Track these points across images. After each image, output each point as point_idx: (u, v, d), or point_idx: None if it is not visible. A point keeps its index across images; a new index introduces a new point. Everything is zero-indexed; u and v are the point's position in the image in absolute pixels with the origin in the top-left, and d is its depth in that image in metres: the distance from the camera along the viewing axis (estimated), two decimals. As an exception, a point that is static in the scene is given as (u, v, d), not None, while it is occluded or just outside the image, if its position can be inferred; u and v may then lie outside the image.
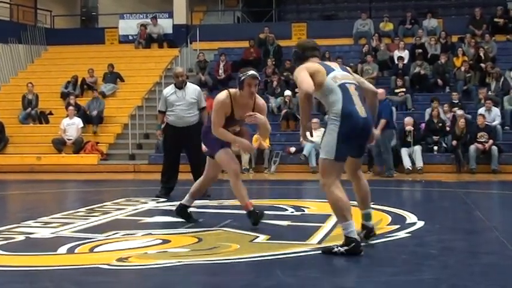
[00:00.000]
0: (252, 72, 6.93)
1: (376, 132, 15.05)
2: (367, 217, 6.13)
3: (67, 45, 24.71)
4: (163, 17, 24.81)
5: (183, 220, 7.68)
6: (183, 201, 7.67)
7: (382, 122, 14.45)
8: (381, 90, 15.85)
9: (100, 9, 28.64)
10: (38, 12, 26.77)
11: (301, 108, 5.88)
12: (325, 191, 5.82)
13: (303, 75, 5.77)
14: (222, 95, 7.03)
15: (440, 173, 15.77)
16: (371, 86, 6.26)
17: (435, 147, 16.79)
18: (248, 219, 7.13)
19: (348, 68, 6.27)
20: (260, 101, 7.12)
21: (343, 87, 5.80)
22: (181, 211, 7.65)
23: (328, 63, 6.14)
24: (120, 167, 17.89)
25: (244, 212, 7.20)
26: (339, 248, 5.63)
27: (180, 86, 10.41)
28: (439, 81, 19.58)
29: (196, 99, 10.38)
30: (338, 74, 5.89)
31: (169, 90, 10.53)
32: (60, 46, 24.89)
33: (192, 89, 10.52)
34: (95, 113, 19.52)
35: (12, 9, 25.67)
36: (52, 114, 20.70)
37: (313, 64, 5.95)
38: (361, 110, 5.78)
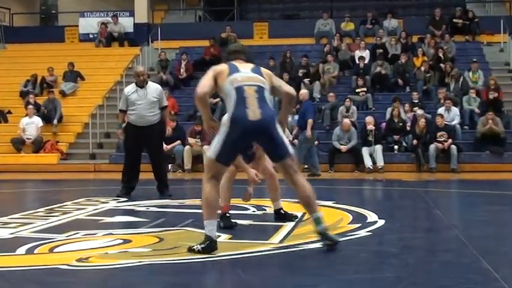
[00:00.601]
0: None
1: (308, 133, 15.37)
2: (316, 221, 5.91)
3: (26, 44, 24.46)
4: (124, 15, 24.68)
5: (144, 219, 7.64)
6: (276, 207, 7.62)
7: (310, 122, 14.66)
8: (303, 91, 16.08)
9: (60, 7, 28.38)
10: (-4, 10, 26.45)
11: (199, 109, 6.08)
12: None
13: (204, 77, 5.92)
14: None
15: (400, 172, 15.91)
16: (286, 89, 6.16)
17: (396, 147, 16.93)
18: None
19: (263, 70, 6.15)
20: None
21: (239, 89, 5.80)
22: (282, 215, 7.59)
23: (238, 64, 6.03)
24: (81, 166, 17.74)
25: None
26: (197, 246, 5.69)
27: (141, 85, 10.36)
28: (400, 81, 19.76)
29: (157, 98, 10.33)
30: (239, 76, 5.86)
31: (130, 89, 10.47)
32: (19, 44, 24.61)
33: (154, 88, 10.48)
34: (53, 113, 19.29)
35: (-31, 7, 25.35)
36: (11, 113, 20.46)
37: (221, 65, 6.03)
38: (253, 114, 5.71)
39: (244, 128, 5.70)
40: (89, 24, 25.02)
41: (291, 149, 5.92)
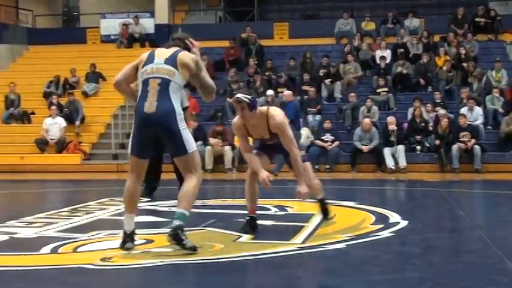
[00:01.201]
0: (235, 96, 6.60)
1: None
2: (177, 216, 5.74)
3: (49, 45, 24.62)
4: (145, 16, 24.76)
5: (166, 219, 7.67)
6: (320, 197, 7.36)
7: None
8: (286, 92, 15.98)
9: (82, 8, 28.51)
10: (19, 11, 26.64)
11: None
12: None
13: (127, 65, 6.19)
14: (236, 117, 6.84)
15: (423, 172, 15.82)
16: (205, 82, 6.10)
17: (418, 147, 16.83)
18: (231, 219, 7.12)
19: (182, 58, 5.94)
20: (274, 121, 6.52)
21: (145, 82, 5.89)
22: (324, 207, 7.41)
23: (158, 52, 6.08)
24: (103, 166, 17.81)
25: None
26: None
27: None
28: (421, 81, 19.64)
29: None
30: (149, 68, 5.91)
31: None
32: (42, 46, 24.78)
33: None
34: (75, 114, 19.37)
35: (-8, 9, 25.57)
36: (34, 114, 20.59)
37: (144, 54, 6.17)
38: (149, 106, 5.74)
39: (140, 120, 5.79)
40: (111, 25, 25.13)
41: (191, 148, 5.81)
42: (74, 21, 29.51)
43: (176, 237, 5.64)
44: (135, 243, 5.94)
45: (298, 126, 15.44)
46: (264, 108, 6.66)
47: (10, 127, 20.29)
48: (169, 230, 5.67)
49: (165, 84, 5.78)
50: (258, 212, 7.36)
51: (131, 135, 5.98)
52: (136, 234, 5.96)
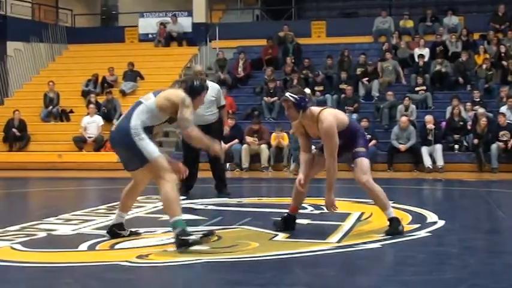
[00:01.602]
0: (284, 95, 6.66)
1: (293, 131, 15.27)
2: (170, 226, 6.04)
3: (88, 44, 24.83)
4: (183, 15, 24.85)
5: (202, 218, 7.70)
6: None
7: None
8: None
9: (120, 7, 28.73)
10: (59, 11, 26.90)
11: None
12: None
13: None
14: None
15: (461, 172, 15.67)
16: (181, 116, 6.07)
17: (456, 146, 16.69)
18: (266, 218, 7.11)
19: (167, 94, 6.19)
20: (321, 125, 6.44)
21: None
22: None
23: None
24: (140, 164, 17.90)
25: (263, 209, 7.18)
26: None
27: None
28: (460, 79, 19.45)
29: (215, 97, 10.36)
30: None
31: None
32: (80, 45, 25.01)
33: (211, 88, 10.51)
34: (113, 113, 19.54)
35: (34, 8, 25.82)
36: (73, 112, 20.81)
37: None
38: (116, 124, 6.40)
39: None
40: (149, 24, 25.27)
41: (151, 155, 5.98)
42: (113, 20, 29.74)
43: (181, 244, 5.78)
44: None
45: None
46: (318, 109, 6.59)
47: (49, 125, 20.54)
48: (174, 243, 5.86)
49: (136, 105, 6.19)
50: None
51: None
52: (120, 229, 6.45)
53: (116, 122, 6.15)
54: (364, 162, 6.67)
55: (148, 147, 5.99)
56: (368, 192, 6.75)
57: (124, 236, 6.44)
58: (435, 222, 7.44)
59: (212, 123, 10.26)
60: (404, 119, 16.56)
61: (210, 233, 6.01)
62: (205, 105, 10.22)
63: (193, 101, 6.18)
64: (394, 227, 6.60)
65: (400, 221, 6.72)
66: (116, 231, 6.43)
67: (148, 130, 6.06)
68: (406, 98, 17.81)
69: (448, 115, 17.34)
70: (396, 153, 16.43)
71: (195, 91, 6.21)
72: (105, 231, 6.57)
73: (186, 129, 6.07)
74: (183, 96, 6.07)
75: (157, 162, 6.00)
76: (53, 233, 6.91)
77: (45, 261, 5.51)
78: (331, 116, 6.51)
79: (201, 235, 5.88)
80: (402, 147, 16.27)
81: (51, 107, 20.63)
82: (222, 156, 6.20)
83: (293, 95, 6.48)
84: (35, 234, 6.75)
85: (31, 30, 24.20)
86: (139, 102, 6.18)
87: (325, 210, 8.18)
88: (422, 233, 6.76)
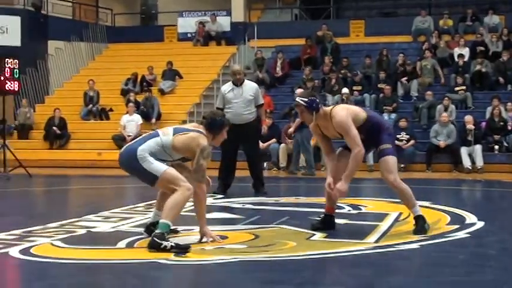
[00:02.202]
0: (295, 101, 6.67)
1: (290, 130, 15.47)
2: (159, 225, 5.94)
3: (127, 43, 25.07)
4: (221, 14, 24.93)
5: (240, 216, 7.72)
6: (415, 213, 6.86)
7: (297, 121, 14.44)
8: (298, 90, 15.76)
9: (159, 7, 28.91)
10: (99, 10, 27.16)
11: None
12: None
13: None
14: None
15: (501, 172, 15.50)
16: (197, 167, 6.07)
17: (496, 147, 16.51)
18: (304, 217, 7.10)
19: (188, 135, 6.14)
20: (335, 119, 6.42)
21: None
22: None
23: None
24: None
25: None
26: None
27: (238, 83, 10.45)
28: (501, 79, 19.25)
29: (253, 96, 10.37)
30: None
31: (227, 87, 10.58)
32: (120, 44, 25.24)
33: (250, 87, 10.54)
34: (151, 111, 19.66)
35: (74, 8, 26.14)
36: (112, 110, 20.98)
37: None
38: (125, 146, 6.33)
39: None
40: (187, 23, 25.39)
41: (158, 172, 5.94)
42: (152, 19, 29.95)
43: (153, 245, 5.71)
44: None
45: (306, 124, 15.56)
46: (329, 108, 6.59)
47: (88, 123, 20.74)
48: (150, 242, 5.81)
49: (153, 135, 6.22)
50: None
51: None
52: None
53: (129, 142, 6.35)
54: (390, 160, 6.60)
55: (153, 166, 5.95)
56: (395, 191, 6.73)
57: None
58: (474, 223, 7.37)
59: (250, 122, 10.27)
60: (445, 114, 16.49)
61: (187, 247, 5.79)
62: (244, 104, 10.26)
63: (216, 137, 6.20)
64: (421, 225, 6.59)
65: (425, 219, 6.69)
66: (153, 230, 6.44)
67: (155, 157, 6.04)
68: (446, 98, 17.66)
69: (488, 115, 17.17)
70: (435, 152, 16.31)
71: (216, 127, 6.16)
72: (143, 230, 6.61)
73: (197, 181, 6.07)
74: (204, 146, 6.00)
75: (166, 175, 5.96)
76: (93, 230, 6.98)
77: (85, 258, 5.57)
78: (343, 111, 6.49)
79: (176, 250, 5.70)
80: (442, 143, 16.12)
81: (91, 106, 20.83)
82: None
83: (303, 99, 6.45)
84: (74, 231, 6.83)
85: (72, 29, 24.48)
86: (157, 134, 6.17)
87: (363, 210, 8.17)
88: (461, 234, 6.70)
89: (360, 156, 6.41)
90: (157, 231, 5.82)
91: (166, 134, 6.11)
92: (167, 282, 4.98)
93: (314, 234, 6.57)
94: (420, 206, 8.74)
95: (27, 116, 20.65)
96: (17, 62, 15.31)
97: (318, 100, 6.45)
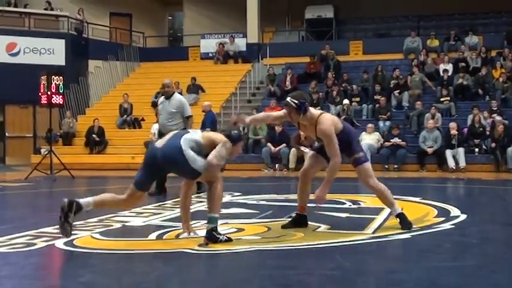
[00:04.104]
0: (285, 100, 6.32)
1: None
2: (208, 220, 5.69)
3: (157, 62, 25.11)
4: (239, 36, 24.95)
5: (255, 211, 7.71)
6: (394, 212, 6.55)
7: (207, 130, 14.36)
8: (205, 103, 15.70)
9: (184, 30, 28.96)
10: (132, 33, 27.26)
11: None
12: None
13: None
14: None
15: (481, 172, 15.44)
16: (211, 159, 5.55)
17: (476, 149, 16.47)
18: (310, 212, 7.06)
19: (215, 134, 5.86)
20: (320, 127, 6.08)
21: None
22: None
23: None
24: (201, 165, 18.00)
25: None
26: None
27: (166, 96, 10.13)
28: (480, 91, 19.20)
29: (176, 110, 9.93)
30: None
31: (161, 99, 10.30)
32: (151, 62, 25.29)
33: (175, 100, 10.07)
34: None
35: (111, 31, 26.25)
36: (144, 120, 21.03)
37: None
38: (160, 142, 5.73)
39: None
40: (209, 44, 25.42)
41: (200, 168, 5.51)
42: (178, 41, 30.03)
43: (212, 238, 5.58)
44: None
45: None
46: (317, 113, 6.20)
47: (123, 131, 20.81)
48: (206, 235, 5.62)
49: (181, 134, 5.72)
50: (333, 205, 7.31)
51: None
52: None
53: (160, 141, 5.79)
54: (366, 166, 6.35)
55: (195, 159, 5.52)
56: (375, 193, 6.49)
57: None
58: (458, 216, 7.33)
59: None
60: (431, 121, 16.46)
61: (229, 239, 5.69)
62: (168, 115, 10.02)
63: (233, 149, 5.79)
64: (404, 221, 6.36)
65: (405, 214, 6.42)
66: None
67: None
68: (433, 107, 17.61)
69: (469, 122, 17.11)
70: (425, 155, 16.25)
71: (233, 140, 5.73)
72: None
73: (212, 161, 5.53)
74: (226, 140, 5.67)
75: (209, 172, 5.58)
76: (127, 224, 6.98)
77: (120, 248, 5.57)
78: (329, 120, 6.14)
79: (225, 238, 5.64)
80: (430, 150, 16.09)
81: (125, 116, 20.90)
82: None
83: (294, 100, 6.11)
84: (111, 225, 6.83)
85: (109, 50, 24.58)
86: (186, 132, 5.77)
87: (362, 205, 8.13)
88: (447, 225, 6.66)
89: (338, 166, 6.09)
90: (212, 225, 5.59)
91: (196, 132, 5.78)
92: (192, 269, 4.97)
93: (319, 227, 6.54)
94: (411, 201, 8.75)
95: (71, 126, 20.74)
96: (62, 78, 15.37)
97: (307, 103, 6.12)
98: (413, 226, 6.37)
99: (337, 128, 6.18)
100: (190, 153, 5.50)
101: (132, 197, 5.83)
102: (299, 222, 6.50)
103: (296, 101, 6.10)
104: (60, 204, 5.63)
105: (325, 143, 6.11)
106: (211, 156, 5.52)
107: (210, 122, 15.20)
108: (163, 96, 10.33)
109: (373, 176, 6.39)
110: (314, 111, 6.23)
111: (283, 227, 6.47)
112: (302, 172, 6.56)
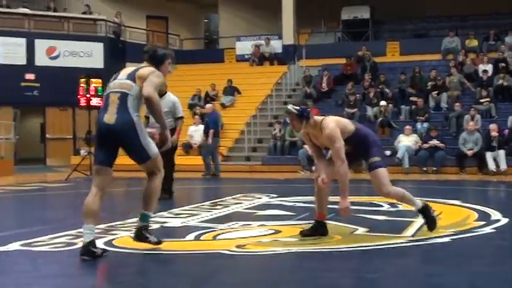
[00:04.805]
0: (286, 109, 6.05)
1: (209, 141, 15.36)
2: (141, 217, 5.55)
3: (193, 64, 25.21)
4: (274, 38, 24.96)
5: (292, 213, 7.69)
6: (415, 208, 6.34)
7: (211, 132, 15.36)
8: (207, 106, 15.54)
9: (220, 32, 29.07)
10: (169, 36, 27.46)
11: None
12: None
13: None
14: None
15: (522, 174, 15.19)
16: (143, 90, 5.27)
17: (517, 151, 16.19)
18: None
19: (141, 72, 5.37)
20: (325, 131, 5.83)
21: (106, 96, 5.40)
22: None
23: (125, 69, 5.56)
24: (238, 167, 18.07)
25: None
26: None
27: (160, 95, 10.06)
28: (521, 92, 18.89)
29: (168, 109, 9.84)
30: (112, 83, 5.43)
31: None
32: (187, 65, 25.38)
33: (167, 100, 10.04)
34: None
35: (148, 34, 26.49)
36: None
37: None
38: (109, 118, 5.24)
39: (100, 131, 5.32)
40: (245, 46, 25.48)
41: (153, 153, 5.36)
42: (214, 43, 30.14)
43: (140, 237, 5.48)
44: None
45: (217, 134, 16.26)
46: (320, 118, 5.95)
47: (162, 133, 20.89)
48: (137, 233, 5.49)
49: (124, 97, 5.28)
50: (371, 208, 7.25)
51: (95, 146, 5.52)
52: (95, 246, 5.27)
53: (111, 113, 5.31)
54: (381, 173, 6.04)
55: (150, 143, 5.38)
56: (393, 199, 6.35)
57: None
58: (499, 220, 7.21)
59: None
60: (471, 123, 16.23)
61: (159, 242, 5.54)
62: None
63: (159, 68, 5.53)
64: (428, 216, 6.20)
65: (428, 206, 6.27)
66: None
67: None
68: (472, 109, 17.37)
69: (509, 123, 16.82)
70: (464, 158, 16.04)
71: (158, 59, 5.53)
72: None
73: (149, 92, 5.22)
74: (151, 69, 5.38)
75: (157, 159, 5.43)
76: (165, 225, 7.03)
77: (158, 249, 5.60)
78: (333, 122, 5.87)
79: (156, 240, 5.51)
80: (470, 152, 15.88)
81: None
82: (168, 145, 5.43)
83: (295, 107, 5.83)
84: (149, 226, 6.86)
85: (146, 53, 24.73)
86: (123, 93, 5.32)
87: (400, 208, 8.06)
88: (488, 229, 6.56)
89: (343, 170, 5.78)
90: (143, 223, 5.49)
91: (130, 88, 5.31)
92: (228, 270, 4.98)
93: (357, 229, 6.50)
94: (451, 204, 8.64)
95: (109, 127, 20.93)
96: (101, 81, 15.56)
97: (308, 109, 5.85)
98: (453, 230, 6.30)
99: (347, 130, 5.97)
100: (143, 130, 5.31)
101: None
102: (319, 230, 6.17)
103: (297, 107, 5.85)
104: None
105: (329, 146, 5.92)
106: (145, 89, 5.24)
107: (213, 123, 15.61)
108: None
109: (388, 184, 6.07)
110: (317, 117, 5.99)
111: (302, 233, 6.14)
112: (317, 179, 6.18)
